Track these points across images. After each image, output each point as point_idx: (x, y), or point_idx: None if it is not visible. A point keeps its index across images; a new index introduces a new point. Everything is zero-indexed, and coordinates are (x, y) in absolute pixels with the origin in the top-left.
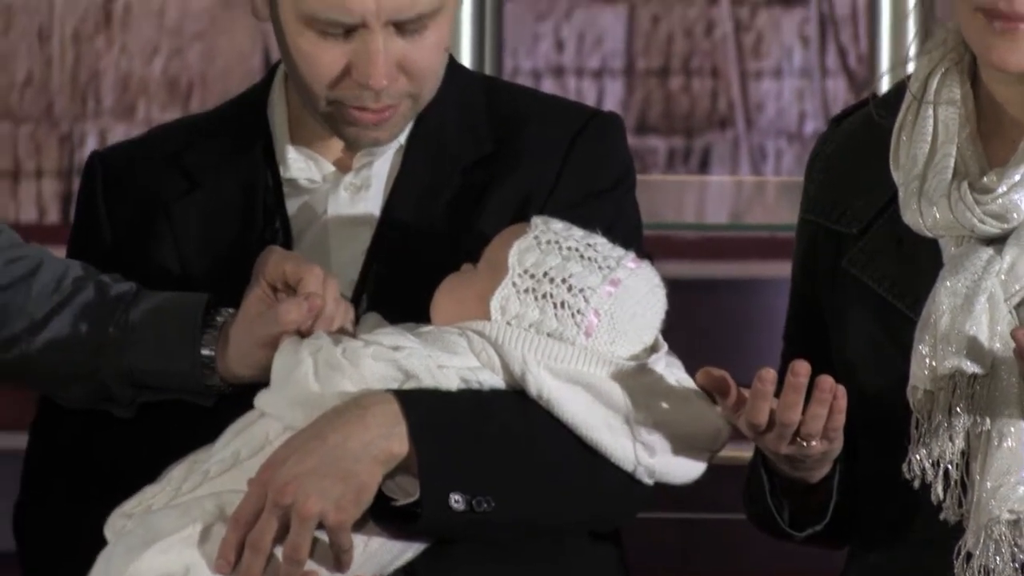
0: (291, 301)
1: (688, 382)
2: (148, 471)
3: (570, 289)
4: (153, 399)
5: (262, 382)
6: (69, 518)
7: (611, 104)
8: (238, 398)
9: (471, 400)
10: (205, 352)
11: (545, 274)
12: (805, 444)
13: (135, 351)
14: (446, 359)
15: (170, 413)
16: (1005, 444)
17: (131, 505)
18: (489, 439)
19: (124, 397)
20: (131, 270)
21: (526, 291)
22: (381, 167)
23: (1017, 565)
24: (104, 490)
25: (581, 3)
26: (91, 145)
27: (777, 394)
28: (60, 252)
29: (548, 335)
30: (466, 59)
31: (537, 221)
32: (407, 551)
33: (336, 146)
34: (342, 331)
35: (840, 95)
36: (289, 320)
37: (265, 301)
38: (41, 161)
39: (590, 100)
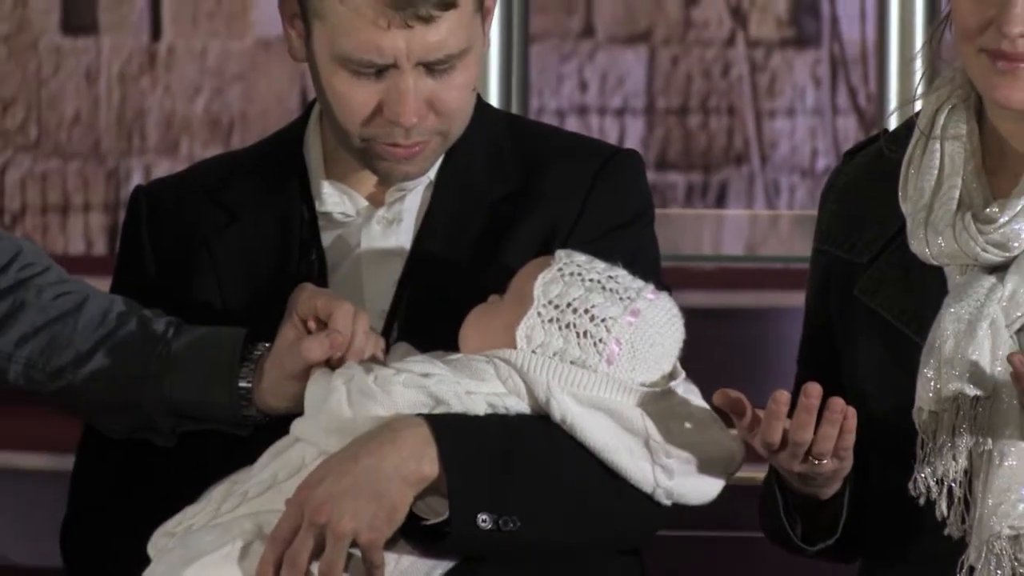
0: (314, 337)
1: (705, 408)
2: (189, 492)
3: (592, 319)
4: (193, 429)
5: (296, 412)
6: (113, 536)
7: (632, 142)
8: (273, 428)
9: (498, 424)
10: (242, 384)
11: (569, 305)
12: (817, 463)
13: (177, 383)
14: (474, 385)
15: (209, 439)
16: (1006, 463)
17: (173, 524)
18: (515, 462)
19: (165, 427)
20: (173, 300)
21: (550, 321)
22: (412, 202)
23: (1011, 573)
24: (147, 510)
25: (603, 45)
26: (136, 180)
27: (790, 415)
28: (107, 282)
29: (571, 363)
30: (494, 99)
31: (561, 254)
32: (436, 568)
33: (369, 181)
34: (373, 360)
35: (851, 133)
36: (312, 356)
37: (297, 335)
38: (89, 196)
39: (612, 138)
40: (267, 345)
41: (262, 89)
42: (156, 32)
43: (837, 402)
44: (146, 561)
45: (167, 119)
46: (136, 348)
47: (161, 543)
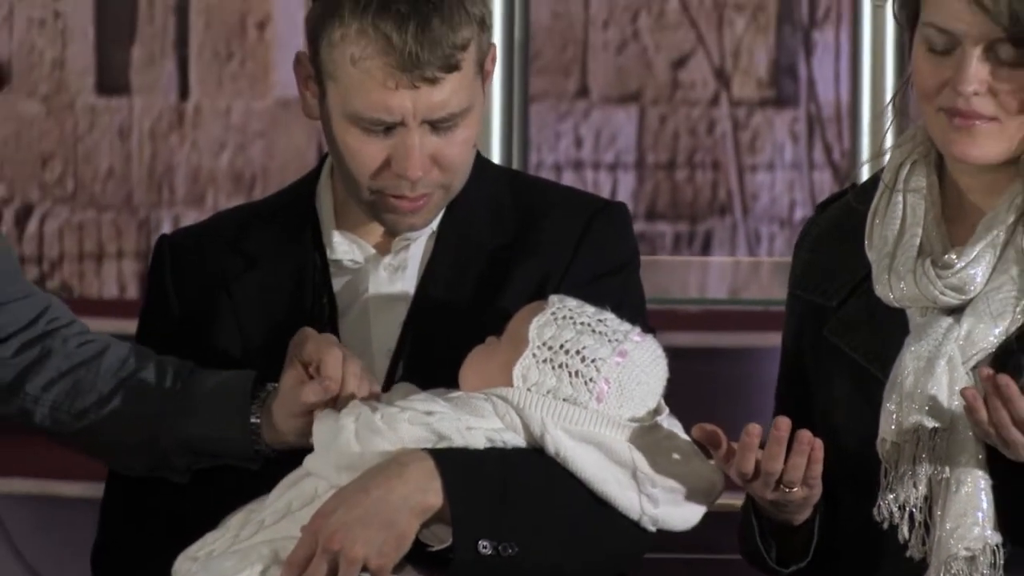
0: (311, 384)
1: (687, 441)
2: (206, 521)
3: (583, 360)
4: (206, 466)
5: (300, 446)
6: (139, 560)
7: (624, 194)
8: (280, 461)
9: (497, 458)
10: (253, 421)
11: (561, 346)
12: (788, 490)
13: (192, 422)
14: (474, 422)
15: (223, 473)
16: (963, 490)
17: (195, 549)
18: (513, 492)
19: (180, 464)
20: (197, 341)
21: (544, 361)
22: (416, 250)
23: None
24: (168, 536)
25: (597, 105)
26: (166, 230)
27: (763, 447)
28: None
29: (564, 400)
30: (496, 154)
31: (554, 299)
32: None
33: (376, 231)
34: (375, 398)
35: (826, 186)
36: (309, 400)
37: (298, 378)
38: (121, 244)
39: (605, 190)
40: (274, 385)
41: (282, 145)
42: (184, 92)
43: (804, 434)
44: None
45: (194, 173)
46: (153, 390)
47: (184, 567)
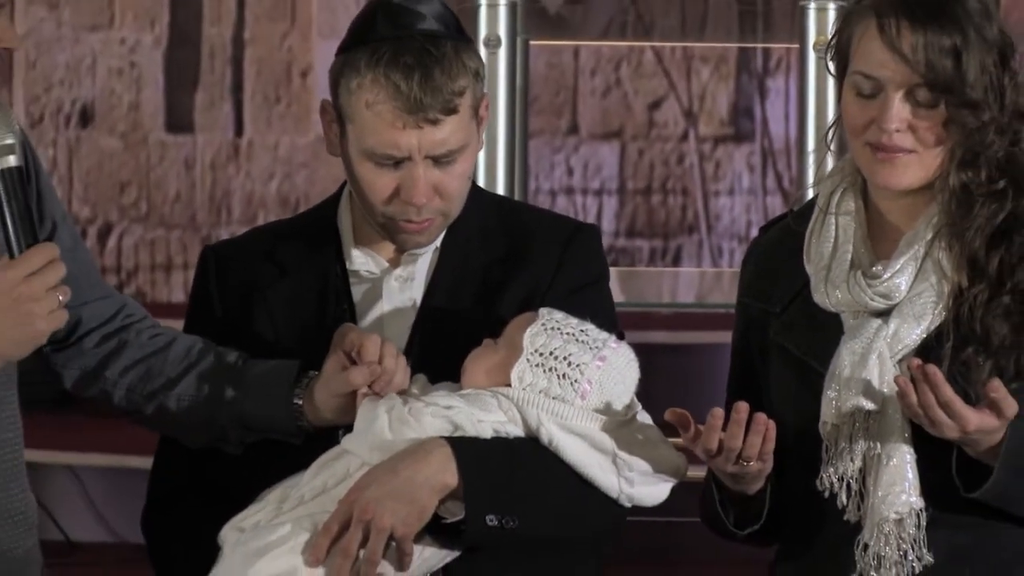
0: (358, 368)
1: (656, 430)
2: (248, 490)
3: (569, 364)
4: (256, 439)
5: (335, 423)
6: (185, 525)
7: (607, 215)
8: (317, 438)
9: (502, 446)
10: (296, 402)
11: (551, 353)
12: (745, 464)
13: (245, 402)
14: (483, 415)
15: (263, 447)
16: (891, 463)
17: (239, 520)
18: (515, 475)
19: (235, 438)
20: (237, 338)
21: (537, 366)
22: (422, 264)
23: (901, 553)
24: (212, 503)
25: (585, 140)
26: None
27: (724, 428)
28: None
29: (554, 398)
30: (501, 181)
31: (544, 312)
32: (448, 556)
33: (388, 247)
34: (404, 393)
35: (778, 208)
36: (356, 381)
37: (340, 363)
38: (187, 257)
39: (592, 213)
40: (315, 373)
41: (322, 174)
42: (239, 130)
43: (760, 417)
44: (209, 542)
45: (248, 197)
46: (214, 375)
47: (232, 536)
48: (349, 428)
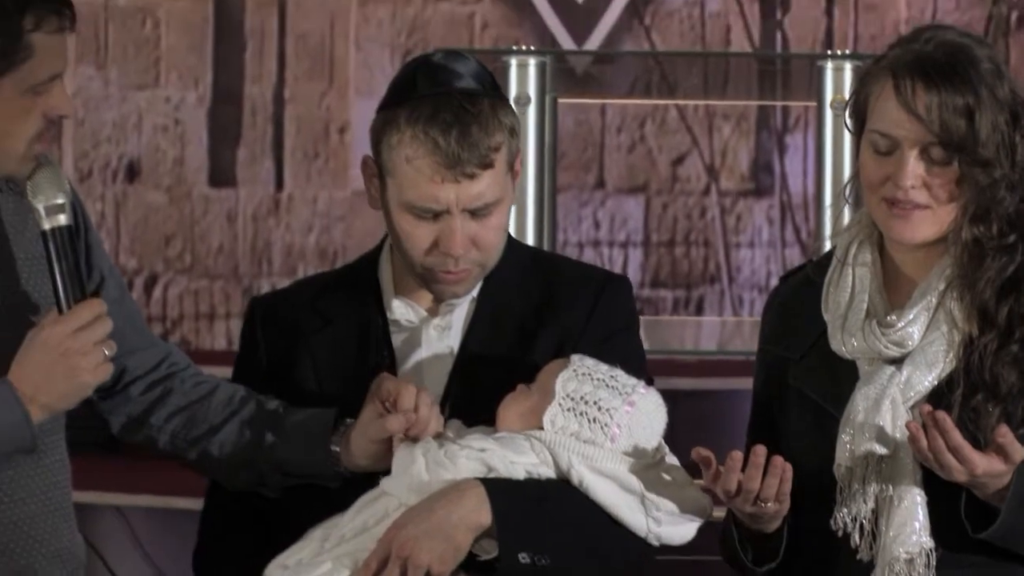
0: (394, 416)
1: (683, 472)
2: (293, 529)
3: (599, 409)
4: (295, 484)
5: (371, 469)
6: (234, 564)
7: (633, 266)
8: (354, 483)
9: (534, 487)
10: (333, 448)
11: (582, 398)
12: (763, 505)
13: (284, 448)
14: (516, 457)
15: (306, 491)
16: (903, 504)
17: (283, 558)
18: (546, 515)
19: (274, 483)
20: (281, 385)
21: (568, 410)
22: (459, 313)
23: None
24: (259, 543)
25: (612, 194)
26: None
27: (743, 470)
28: None
29: (585, 441)
30: (531, 233)
31: (575, 358)
32: None
33: (427, 297)
34: (439, 435)
35: (796, 260)
36: (393, 428)
37: (377, 411)
38: (229, 307)
39: (618, 264)
40: (351, 420)
41: (358, 227)
42: (279, 184)
43: (778, 459)
44: None
45: (288, 249)
46: (254, 422)
47: (276, 573)
48: (387, 472)
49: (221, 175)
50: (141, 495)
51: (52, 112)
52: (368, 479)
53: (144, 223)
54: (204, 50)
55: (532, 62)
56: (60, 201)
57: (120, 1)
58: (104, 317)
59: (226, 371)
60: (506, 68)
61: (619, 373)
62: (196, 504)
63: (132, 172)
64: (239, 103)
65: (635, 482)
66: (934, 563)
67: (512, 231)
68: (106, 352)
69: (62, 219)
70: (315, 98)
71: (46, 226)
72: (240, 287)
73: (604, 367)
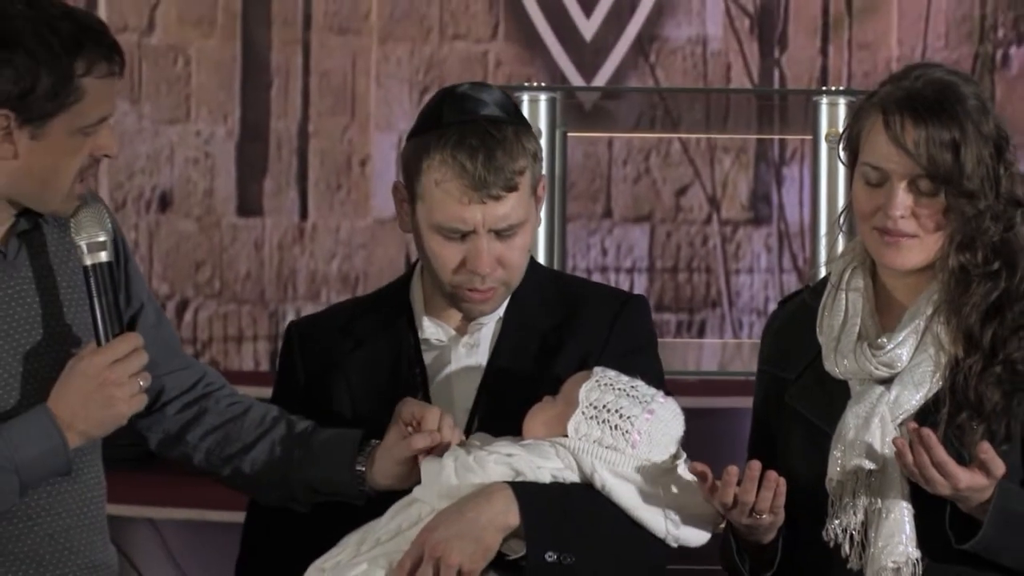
0: (419, 435)
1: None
2: (325, 540)
3: (621, 417)
4: (323, 500)
5: (394, 490)
6: (272, 571)
7: (638, 291)
8: (379, 500)
9: (559, 490)
10: (359, 468)
11: (604, 406)
12: (758, 517)
13: (312, 468)
14: (542, 462)
15: (336, 506)
16: (891, 517)
17: (321, 561)
18: (571, 516)
19: (303, 499)
20: (318, 404)
21: (591, 418)
22: (486, 332)
23: None
24: (295, 552)
25: (618, 223)
26: (290, 319)
27: (740, 484)
28: (268, 391)
29: (607, 447)
30: (542, 259)
31: (598, 370)
32: None
33: (456, 316)
34: (463, 444)
35: (792, 286)
36: (418, 446)
37: (401, 433)
38: (256, 330)
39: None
40: (376, 441)
41: (379, 254)
42: (304, 214)
43: (772, 474)
44: None
45: (311, 276)
46: (285, 442)
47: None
48: (409, 491)
49: (248, 205)
50: (173, 508)
51: (99, 152)
52: (394, 496)
53: (176, 250)
54: (232, 87)
55: (543, 98)
56: (101, 239)
57: (153, 40)
58: (140, 350)
59: (252, 390)
60: (518, 104)
61: (639, 383)
62: (226, 517)
63: (164, 202)
64: (265, 137)
65: (654, 486)
66: (920, 572)
67: None
68: (141, 384)
69: (103, 256)
70: (337, 132)
71: (88, 262)
72: (266, 311)
73: (625, 378)
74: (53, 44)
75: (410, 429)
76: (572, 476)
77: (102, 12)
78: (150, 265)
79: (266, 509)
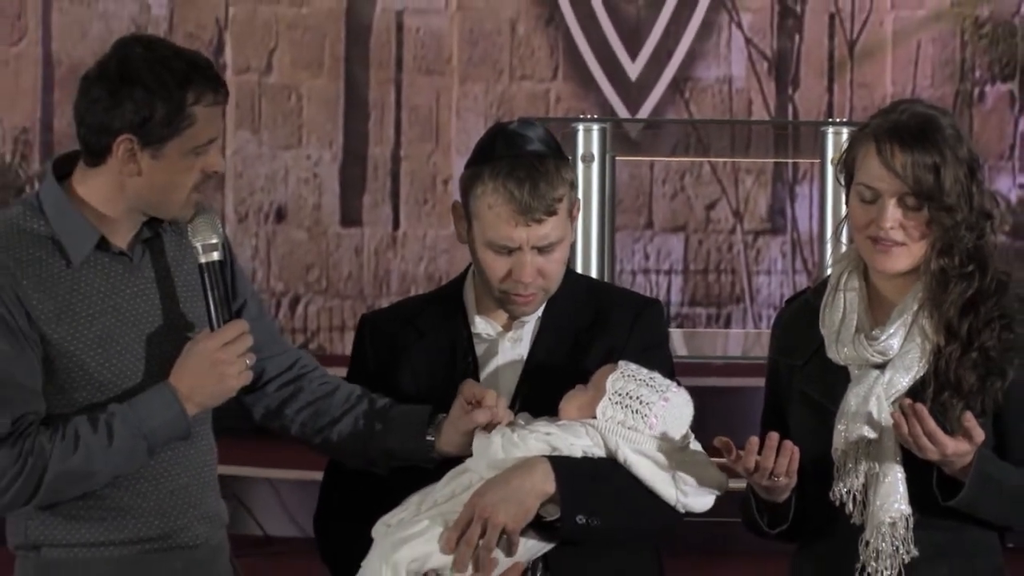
0: (481, 410)
1: (704, 455)
2: (394, 497)
3: (641, 403)
4: (397, 465)
5: (457, 455)
6: (346, 524)
7: (675, 289)
8: (445, 464)
9: (588, 463)
10: (428, 438)
11: (627, 394)
12: (776, 479)
13: (390, 438)
14: (575, 440)
15: (408, 470)
16: (887, 479)
17: (387, 518)
18: (599, 485)
19: (381, 464)
20: (386, 386)
21: (616, 403)
22: (528, 328)
23: (894, 548)
24: (367, 509)
25: (659, 233)
26: None
27: (760, 452)
28: None
29: (628, 428)
30: (594, 263)
31: (622, 363)
32: (546, 547)
33: (503, 315)
34: (510, 424)
35: (804, 285)
36: (480, 420)
37: (464, 408)
38: (356, 321)
39: (663, 288)
40: (443, 415)
41: (459, 258)
42: (396, 225)
43: (788, 443)
44: (363, 538)
45: (403, 276)
46: (367, 416)
47: (381, 530)
48: (468, 456)
49: (350, 217)
50: (287, 470)
51: (209, 169)
52: (455, 461)
53: (289, 255)
54: (337, 119)
55: (595, 128)
56: (214, 241)
57: (271, 80)
58: (247, 334)
59: (339, 377)
60: (575, 133)
61: (656, 375)
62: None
63: (280, 215)
64: (364, 160)
65: (667, 461)
66: (912, 525)
67: (580, 262)
68: (248, 363)
69: (215, 256)
70: (424, 157)
71: (202, 260)
72: (365, 305)
73: (645, 371)
74: (167, 79)
75: (470, 406)
76: (599, 452)
77: (228, 56)
78: (268, 267)
79: (341, 471)
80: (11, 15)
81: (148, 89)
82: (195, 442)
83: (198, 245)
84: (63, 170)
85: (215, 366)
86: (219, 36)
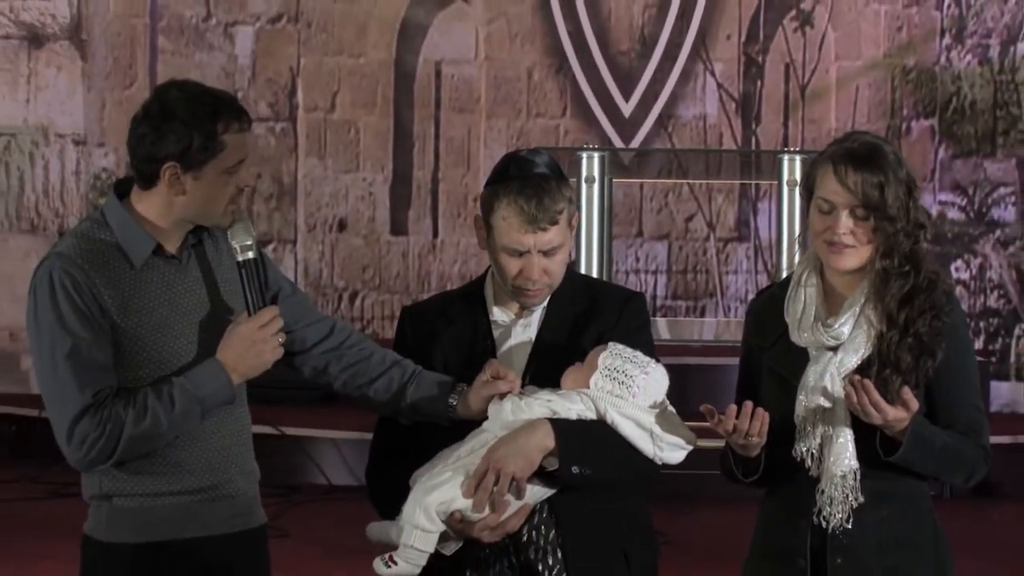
0: (503, 381)
1: (677, 417)
2: (426, 455)
3: (626, 376)
4: (424, 422)
5: (472, 420)
6: (392, 475)
7: (660, 286)
8: (465, 424)
9: (583, 424)
10: (451, 402)
11: (616, 369)
12: (750, 439)
13: (419, 398)
14: (571, 406)
15: (433, 428)
16: (839, 440)
17: (421, 471)
18: (591, 442)
19: (409, 418)
20: (422, 362)
21: (606, 376)
22: (536, 316)
23: (844, 495)
24: (408, 464)
25: (647, 240)
26: None
27: (737, 416)
28: None
29: (615, 396)
30: (595, 264)
31: (611, 344)
32: (548, 492)
33: (515, 306)
34: (520, 394)
35: (764, 283)
36: (503, 388)
37: (485, 380)
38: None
39: (651, 285)
40: (465, 385)
41: (486, 261)
42: (435, 232)
43: (760, 410)
44: (403, 487)
45: (441, 276)
46: (399, 379)
47: (416, 480)
48: (483, 420)
49: (398, 228)
50: (348, 431)
51: (241, 184)
52: (469, 423)
53: (349, 258)
54: (387, 148)
55: (596, 156)
56: (249, 242)
57: (334, 116)
58: (278, 317)
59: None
60: (579, 160)
61: (639, 354)
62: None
63: (341, 226)
64: (409, 182)
65: (647, 423)
66: (859, 477)
67: (583, 264)
68: (280, 340)
69: (251, 254)
70: (458, 179)
71: (240, 258)
72: (410, 299)
73: (630, 350)
74: (199, 113)
75: (493, 379)
76: (591, 415)
77: (300, 98)
78: (332, 268)
79: (388, 432)
80: (124, 64)
81: (185, 123)
82: (234, 409)
83: (236, 246)
84: (121, 191)
85: (254, 344)
86: (292, 81)
